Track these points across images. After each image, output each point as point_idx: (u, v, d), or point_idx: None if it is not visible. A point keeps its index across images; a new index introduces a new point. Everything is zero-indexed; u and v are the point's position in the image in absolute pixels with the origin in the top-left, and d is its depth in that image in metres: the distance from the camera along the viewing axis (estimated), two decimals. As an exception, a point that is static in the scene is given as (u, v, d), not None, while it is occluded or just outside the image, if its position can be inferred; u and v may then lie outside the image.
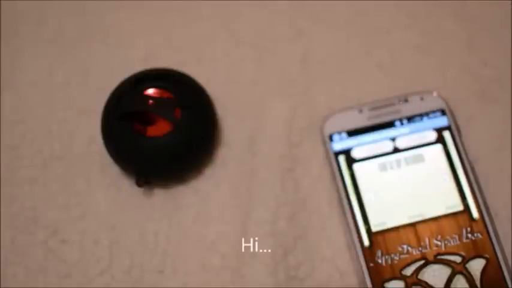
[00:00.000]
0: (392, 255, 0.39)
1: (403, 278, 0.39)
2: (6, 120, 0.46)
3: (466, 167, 0.41)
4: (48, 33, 0.49)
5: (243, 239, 0.42)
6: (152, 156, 0.42)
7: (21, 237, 0.42)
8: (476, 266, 0.38)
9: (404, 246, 0.39)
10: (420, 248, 0.39)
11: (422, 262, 0.39)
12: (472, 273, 0.38)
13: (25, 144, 0.45)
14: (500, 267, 0.38)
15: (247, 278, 0.41)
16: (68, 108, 0.46)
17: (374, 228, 0.40)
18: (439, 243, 0.39)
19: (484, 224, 0.40)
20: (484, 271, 0.38)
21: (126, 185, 0.44)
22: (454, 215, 0.40)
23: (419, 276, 0.39)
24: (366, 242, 0.40)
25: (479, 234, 0.39)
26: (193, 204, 0.43)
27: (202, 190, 0.43)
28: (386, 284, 0.39)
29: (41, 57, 0.48)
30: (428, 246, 0.39)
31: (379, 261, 0.39)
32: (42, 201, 0.43)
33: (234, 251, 0.41)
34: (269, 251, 0.41)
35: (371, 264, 0.39)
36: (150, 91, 0.43)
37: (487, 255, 0.39)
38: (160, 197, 0.43)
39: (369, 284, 0.39)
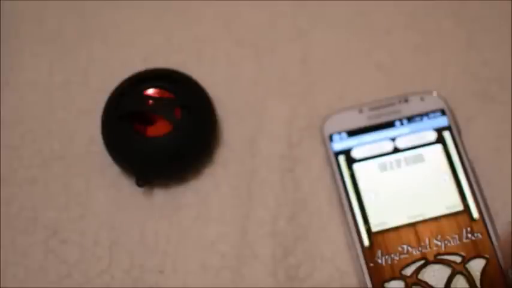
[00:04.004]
0: (392, 255, 0.39)
1: (403, 278, 0.39)
2: (6, 120, 0.46)
3: (466, 167, 0.41)
4: (48, 33, 0.49)
5: (243, 239, 0.42)
6: (152, 156, 0.42)
7: (21, 237, 0.42)
8: (476, 266, 0.38)
9: (404, 246, 0.39)
10: (420, 248, 0.39)
11: (422, 262, 0.39)
12: (472, 273, 0.38)
13: (25, 144, 0.45)
14: (500, 267, 0.38)
15: (247, 278, 0.41)
16: (68, 108, 0.46)
17: (374, 228, 0.40)
18: (439, 243, 0.39)
19: (484, 224, 0.40)
20: (484, 271, 0.38)
21: (126, 185, 0.44)
22: (454, 215, 0.40)
23: (419, 276, 0.39)
24: (366, 242, 0.40)
25: (479, 234, 0.39)
26: (193, 204, 0.43)
27: (202, 190, 0.43)
28: (386, 284, 0.38)
29: (41, 57, 0.48)
30: (428, 246, 0.39)
31: (379, 261, 0.39)
32: (42, 201, 0.43)
33: (234, 251, 0.41)
34: (269, 251, 0.41)
35: (371, 264, 0.39)
36: (150, 91, 0.43)
37: (487, 255, 0.39)
38: (160, 197, 0.43)
39: (369, 284, 0.39)
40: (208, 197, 0.43)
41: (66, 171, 0.44)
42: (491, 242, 0.39)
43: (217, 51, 0.48)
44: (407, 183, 0.41)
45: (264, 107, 0.45)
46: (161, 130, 0.42)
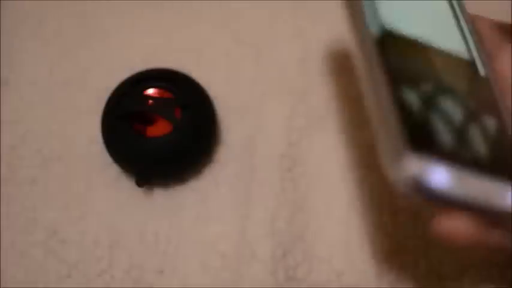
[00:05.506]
0: None
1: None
2: (6, 120, 0.46)
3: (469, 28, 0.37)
4: (48, 33, 0.49)
5: (242, 239, 0.42)
6: (152, 156, 0.42)
7: (21, 238, 0.42)
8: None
9: None
10: None
11: None
12: None
13: (25, 144, 0.45)
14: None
15: (246, 278, 0.41)
16: (68, 108, 0.46)
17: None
18: None
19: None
20: None
21: (126, 185, 0.44)
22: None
23: None
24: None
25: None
26: (193, 204, 0.43)
27: (202, 190, 0.43)
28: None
29: (41, 57, 0.48)
30: None
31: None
32: (42, 202, 0.43)
33: (234, 251, 0.41)
34: (268, 251, 0.41)
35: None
36: (150, 91, 0.43)
37: None
38: (160, 197, 0.43)
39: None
40: (208, 197, 0.43)
41: (66, 171, 0.44)
42: None
43: (217, 51, 0.48)
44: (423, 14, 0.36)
45: (263, 107, 0.46)
46: (161, 130, 0.42)
